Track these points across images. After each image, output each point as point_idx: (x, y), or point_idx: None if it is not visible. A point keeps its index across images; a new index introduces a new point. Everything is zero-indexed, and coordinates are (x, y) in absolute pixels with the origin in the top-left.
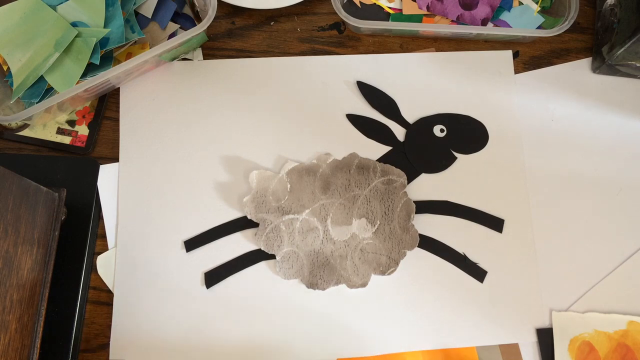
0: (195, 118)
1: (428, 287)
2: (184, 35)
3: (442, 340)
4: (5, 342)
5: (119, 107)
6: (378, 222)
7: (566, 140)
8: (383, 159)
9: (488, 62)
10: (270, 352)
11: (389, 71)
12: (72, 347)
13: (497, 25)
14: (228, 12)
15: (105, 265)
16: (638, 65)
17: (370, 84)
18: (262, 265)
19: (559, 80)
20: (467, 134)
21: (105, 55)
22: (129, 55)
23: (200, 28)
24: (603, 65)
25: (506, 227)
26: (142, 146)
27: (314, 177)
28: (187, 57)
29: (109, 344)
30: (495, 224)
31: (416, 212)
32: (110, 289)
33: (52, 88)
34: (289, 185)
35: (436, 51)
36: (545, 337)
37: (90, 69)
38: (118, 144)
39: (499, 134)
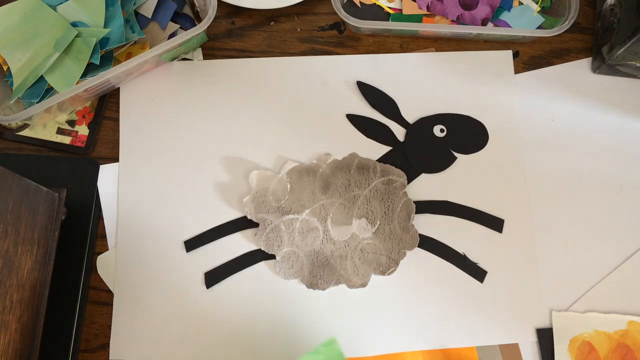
0: (195, 118)
1: (428, 287)
2: (184, 35)
3: (442, 340)
4: (5, 342)
5: (119, 107)
6: (378, 222)
7: (566, 140)
8: (383, 159)
9: (488, 62)
10: (270, 352)
11: (389, 71)
12: (72, 347)
13: (497, 25)
14: (228, 12)
15: (105, 265)
16: (638, 65)
17: (370, 84)
18: (262, 265)
19: (559, 80)
20: (467, 134)
21: (105, 55)
22: (129, 55)
23: (200, 28)
24: (603, 65)
25: (506, 227)
26: (142, 146)
27: (314, 177)
28: (187, 57)
29: (109, 344)
30: (495, 224)
31: (416, 212)
32: (110, 289)
33: (52, 88)
34: (289, 185)
35: (436, 51)
36: (545, 337)
37: (90, 69)
38: (118, 144)
39: (499, 134)
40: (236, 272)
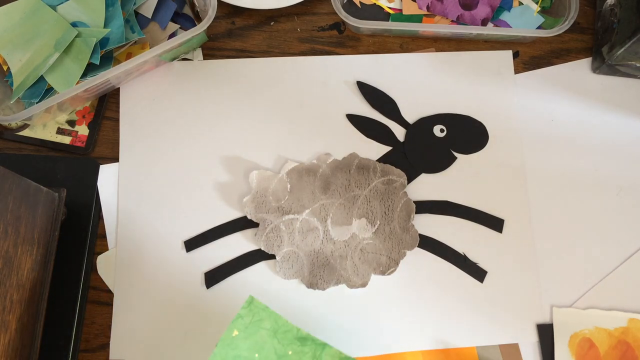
0: (195, 118)
1: (428, 287)
2: (184, 35)
3: (442, 340)
4: (5, 342)
5: (119, 107)
6: (378, 222)
7: (566, 140)
8: (383, 159)
9: (488, 62)
10: None
11: (389, 71)
12: (72, 347)
13: (497, 25)
14: (228, 12)
15: (105, 265)
16: (638, 65)
17: (370, 84)
18: (262, 265)
19: (559, 80)
20: (467, 134)
21: (105, 55)
22: (129, 55)
23: (200, 28)
24: (603, 65)
25: (506, 227)
26: (142, 146)
27: (314, 177)
28: (187, 57)
29: (109, 344)
30: (495, 224)
31: (416, 212)
32: (110, 289)
33: (52, 88)
34: (289, 185)
35: (436, 51)
36: (545, 337)
37: (90, 69)
38: (118, 144)
39: (499, 134)
40: (236, 272)
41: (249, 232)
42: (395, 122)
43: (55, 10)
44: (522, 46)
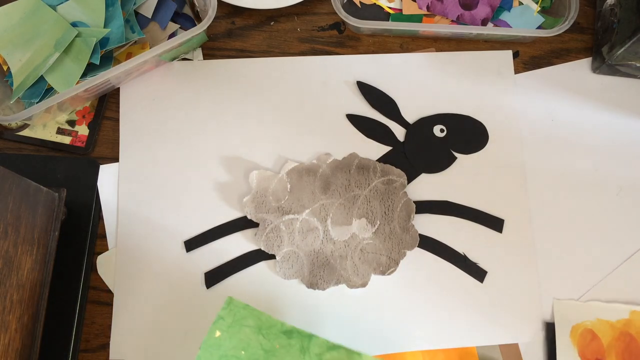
0: (195, 118)
1: (428, 287)
2: (184, 35)
3: (442, 340)
4: (5, 342)
5: (119, 107)
6: (378, 222)
7: (566, 140)
8: (383, 159)
9: (488, 62)
10: None
11: (389, 71)
12: (72, 347)
13: (497, 25)
14: (228, 12)
15: (105, 265)
16: (638, 65)
17: (370, 84)
18: (262, 265)
19: (559, 80)
20: (467, 134)
21: (105, 55)
22: (129, 55)
23: (200, 28)
24: (603, 65)
25: (506, 227)
26: (142, 146)
27: (314, 177)
28: (187, 57)
29: (109, 344)
30: (495, 224)
31: (416, 212)
32: (110, 289)
33: (52, 88)
34: (289, 185)
35: (436, 51)
36: (547, 336)
37: (90, 69)
38: (118, 144)
39: (499, 134)
40: (236, 272)
41: (249, 232)
42: (395, 122)
43: (55, 10)
44: (522, 46)
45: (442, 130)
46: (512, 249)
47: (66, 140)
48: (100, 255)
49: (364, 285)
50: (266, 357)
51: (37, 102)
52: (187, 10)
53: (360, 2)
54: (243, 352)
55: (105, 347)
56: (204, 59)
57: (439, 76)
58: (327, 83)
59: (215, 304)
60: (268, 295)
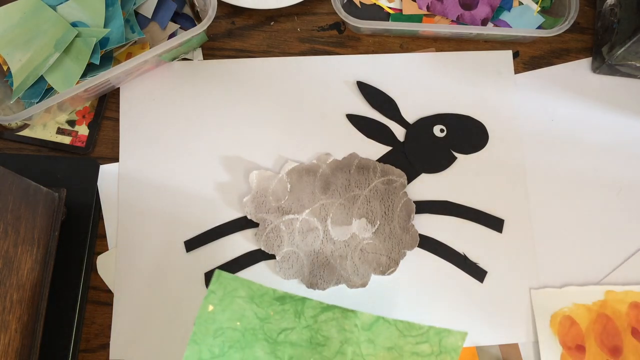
0: (195, 118)
1: (428, 287)
2: (184, 35)
3: None
4: (5, 342)
5: (119, 107)
6: (378, 222)
7: (566, 140)
8: (383, 159)
9: (488, 62)
10: None
11: (389, 71)
12: (72, 347)
13: (497, 25)
14: (228, 12)
15: (105, 265)
16: (638, 65)
17: (370, 84)
18: (262, 265)
19: (559, 80)
20: (467, 134)
21: (105, 55)
22: (129, 55)
23: (200, 28)
24: (603, 65)
25: (506, 227)
26: (142, 146)
27: (314, 177)
28: (187, 57)
29: (109, 344)
30: (495, 224)
31: (416, 212)
32: (110, 289)
33: (52, 88)
34: (289, 185)
35: (436, 51)
36: None
37: (90, 69)
38: (118, 144)
39: (499, 134)
40: (236, 272)
41: (249, 232)
42: (395, 122)
43: (55, 10)
44: (522, 46)
45: (442, 130)
46: (512, 249)
47: (66, 140)
48: (100, 255)
49: (364, 285)
50: (262, 325)
51: (37, 102)
52: (187, 10)
53: (360, 2)
54: (238, 323)
55: (105, 347)
56: (204, 59)
57: (439, 76)
58: (327, 83)
59: None
60: None
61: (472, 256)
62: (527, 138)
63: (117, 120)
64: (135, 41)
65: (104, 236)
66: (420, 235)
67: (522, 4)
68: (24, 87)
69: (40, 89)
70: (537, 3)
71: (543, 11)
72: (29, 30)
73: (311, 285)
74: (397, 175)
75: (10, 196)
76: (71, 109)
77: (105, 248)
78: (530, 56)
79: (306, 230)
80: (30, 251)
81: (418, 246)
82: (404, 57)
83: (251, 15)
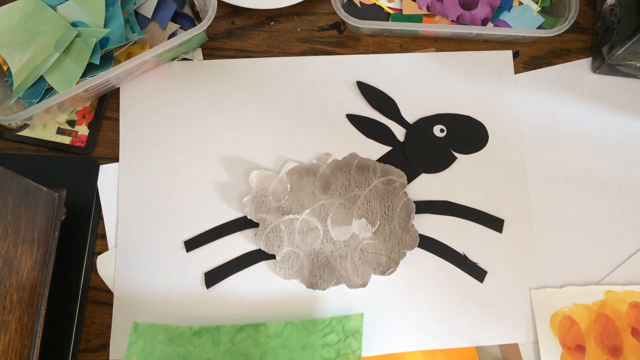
0: (195, 118)
1: (428, 287)
2: (184, 35)
3: (442, 340)
4: (5, 342)
5: (119, 107)
6: (378, 222)
7: (566, 140)
8: (383, 159)
9: (488, 62)
10: None
11: (389, 71)
12: (72, 347)
13: (497, 25)
14: (228, 12)
15: (105, 265)
16: (638, 65)
17: (370, 84)
18: (262, 265)
19: (559, 80)
20: (467, 134)
21: (105, 55)
22: (129, 55)
23: (200, 28)
24: (603, 65)
25: (506, 227)
26: (142, 146)
27: (314, 177)
28: (187, 57)
29: (109, 344)
30: (495, 224)
31: (416, 212)
32: (110, 289)
33: (52, 88)
34: (289, 185)
35: (436, 51)
36: None
37: (90, 69)
38: (118, 144)
39: (499, 134)
40: (236, 272)
41: (249, 232)
42: (395, 122)
43: (55, 10)
44: (522, 46)
45: (442, 130)
46: (512, 249)
47: (66, 140)
48: (100, 255)
49: (364, 285)
50: None
51: (37, 102)
52: (187, 10)
53: (360, 2)
54: None
55: (105, 347)
56: (204, 59)
57: (439, 76)
58: (327, 83)
59: (215, 304)
60: (268, 295)
61: (472, 256)
62: (527, 138)
63: (117, 120)
64: (135, 41)
65: (104, 236)
66: (420, 235)
67: (522, 4)
68: (24, 87)
69: (40, 89)
70: (537, 3)
71: (543, 11)
72: (29, 30)
73: (311, 285)
74: (397, 175)
75: (10, 196)
76: (71, 109)
77: (105, 248)
78: (530, 56)
79: (306, 230)
80: (30, 251)
81: (418, 246)
82: (404, 57)
83: (251, 15)
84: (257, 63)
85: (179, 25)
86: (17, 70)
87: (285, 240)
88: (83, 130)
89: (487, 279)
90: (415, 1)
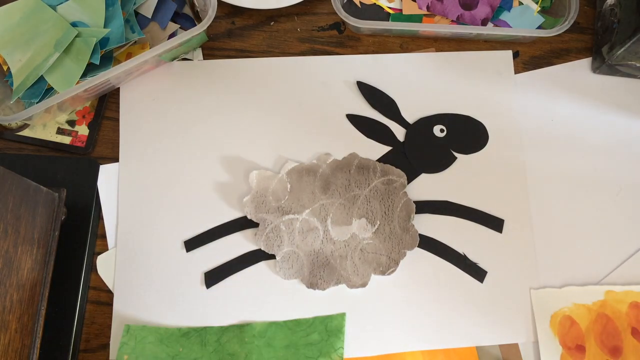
0: (195, 118)
1: (428, 287)
2: (184, 35)
3: (442, 340)
4: (5, 342)
5: (119, 107)
6: (378, 222)
7: (566, 140)
8: (383, 159)
9: (488, 62)
10: None
11: (389, 71)
12: (72, 347)
13: (497, 25)
14: (228, 12)
15: (105, 265)
16: (638, 65)
17: (370, 84)
18: (262, 265)
19: (559, 80)
20: (467, 134)
21: (105, 55)
22: (129, 55)
23: (200, 28)
24: (603, 65)
25: (506, 227)
26: (142, 146)
27: (314, 177)
28: (187, 57)
29: (109, 344)
30: (495, 224)
31: (416, 212)
32: (110, 289)
33: (52, 88)
34: (289, 185)
35: (436, 51)
36: None
37: (90, 69)
38: (118, 144)
39: (499, 134)
40: (236, 272)
41: (249, 232)
42: (395, 122)
43: (55, 10)
44: (522, 46)
45: (442, 130)
46: (512, 249)
47: (66, 140)
48: (100, 255)
49: (364, 285)
50: None
51: (37, 102)
52: (187, 10)
53: (360, 2)
54: None
55: (105, 347)
56: (204, 59)
57: (439, 76)
58: (327, 83)
59: (215, 304)
60: (268, 295)
61: (472, 256)
62: (527, 138)
63: (117, 120)
64: (135, 41)
65: (104, 236)
66: (420, 235)
67: (522, 4)
68: (24, 87)
69: (40, 89)
70: (537, 3)
71: (543, 11)
72: (29, 30)
73: (311, 285)
74: (397, 175)
75: (10, 196)
76: (71, 109)
77: (105, 248)
78: (530, 56)
79: (306, 230)
80: (30, 251)
81: (418, 246)
82: (404, 57)
83: (251, 15)
84: (257, 63)
85: (179, 25)
86: (17, 70)
87: (285, 240)
88: (83, 130)
89: (487, 279)
90: (415, 1)
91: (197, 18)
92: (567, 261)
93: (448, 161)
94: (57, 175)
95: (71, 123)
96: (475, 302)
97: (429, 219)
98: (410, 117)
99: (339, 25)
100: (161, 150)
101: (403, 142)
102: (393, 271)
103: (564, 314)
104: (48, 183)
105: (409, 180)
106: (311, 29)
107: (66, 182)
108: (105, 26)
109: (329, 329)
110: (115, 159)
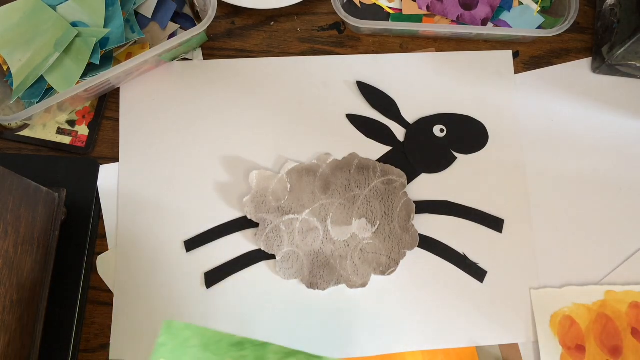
0: (195, 118)
1: (428, 287)
2: (184, 35)
3: (442, 340)
4: (5, 342)
5: (119, 107)
6: (378, 222)
7: (566, 140)
8: (383, 159)
9: (488, 62)
10: None
11: (389, 71)
12: (72, 347)
13: (497, 25)
14: (228, 12)
15: (105, 265)
16: (638, 65)
17: (370, 84)
18: (262, 265)
19: (559, 80)
20: (467, 134)
21: (105, 55)
22: (129, 55)
23: (200, 28)
24: (603, 65)
25: (506, 227)
26: (142, 146)
27: (314, 177)
28: (187, 57)
29: (109, 344)
30: (495, 224)
31: (416, 212)
32: (110, 289)
33: (52, 88)
34: (289, 185)
35: (436, 51)
36: None
37: (90, 69)
38: (118, 144)
39: (499, 134)
40: (236, 272)
41: (249, 232)
42: (395, 122)
43: (55, 10)
44: (522, 46)
45: (442, 130)
46: (512, 249)
47: (66, 140)
48: (100, 255)
49: (364, 285)
50: None
51: (37, 102)
52: (187, 10)
53: (360, 2)
54: None
55: (105, 347)
56: (204, 59)
57: (439, 76)
58: (327, 83)
59: (215, 304)
60: (268, 295)
61: (472, 256)
62: (527, 138)
63: (117, 120)
64: (135, 41)
65: (104, 236)
66: (420, 235)
67: (522, 4)
68: (24, 87)
69: (40, 89)
70: (537, 3)
71: (543, 11)
72: (29, 30)
73: (311, 285)
74: (397, 175)
75: (10, 196)
76: (71, 109)
77: (105, 248)
78: (530, 56)
79: (306, 230)
80: (30, 251)
81: (418, 246)
82: (404, 57)
83: (251, 15)
84: (257, 63)
85: (179, 25)
86: (17, 70)
87: (285, 240)
88: (83, 130)
89: (487, 279)
90: (415, 1)
91: (197, 18)
92: (567, 261)
93: (448, 161)
94: (57, 175)
95: (71, 123)
96: (475, 302)
97: (429, 219)
98: (410, 117)
99: (339, 25)
100: (161, 150)
101: (403, 142)
102: (393, 271)
103: (564, 314)
104: (48, 183)
105: (409, 180)
106: (311, 29)
107: (66, 182)
108: (105, 26)
109: None
110: (115, 159)
